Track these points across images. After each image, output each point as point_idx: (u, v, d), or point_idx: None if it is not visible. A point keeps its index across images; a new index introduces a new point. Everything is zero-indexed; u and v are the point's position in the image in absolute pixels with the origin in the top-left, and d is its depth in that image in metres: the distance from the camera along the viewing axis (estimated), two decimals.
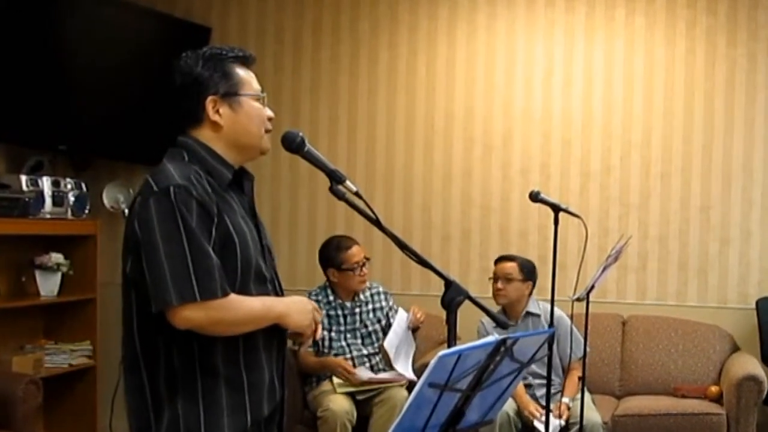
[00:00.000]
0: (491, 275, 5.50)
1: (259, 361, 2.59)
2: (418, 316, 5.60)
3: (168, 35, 6.33)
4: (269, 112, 2.69)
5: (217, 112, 2.61)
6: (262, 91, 2.69)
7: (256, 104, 2.66)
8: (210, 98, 2.61)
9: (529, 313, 5.43)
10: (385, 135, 6.66)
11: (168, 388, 2.53)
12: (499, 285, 5.39)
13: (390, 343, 5.48)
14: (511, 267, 5.41)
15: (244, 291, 2.55)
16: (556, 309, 4.79)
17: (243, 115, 2.63)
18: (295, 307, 2.63)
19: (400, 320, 5.57)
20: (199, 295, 2.42)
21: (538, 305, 5.43)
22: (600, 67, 6.43)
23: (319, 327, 2.70)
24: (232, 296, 2.49)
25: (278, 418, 2.71)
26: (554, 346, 5.17)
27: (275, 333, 2.62)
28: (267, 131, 2.69)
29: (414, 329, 5.63)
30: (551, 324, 4.87)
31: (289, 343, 2.84)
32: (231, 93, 2.62)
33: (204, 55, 2.65)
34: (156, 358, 2.54)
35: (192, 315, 2.43)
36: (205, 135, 2.63)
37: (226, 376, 2.54)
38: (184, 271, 2.42)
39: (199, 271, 2.43)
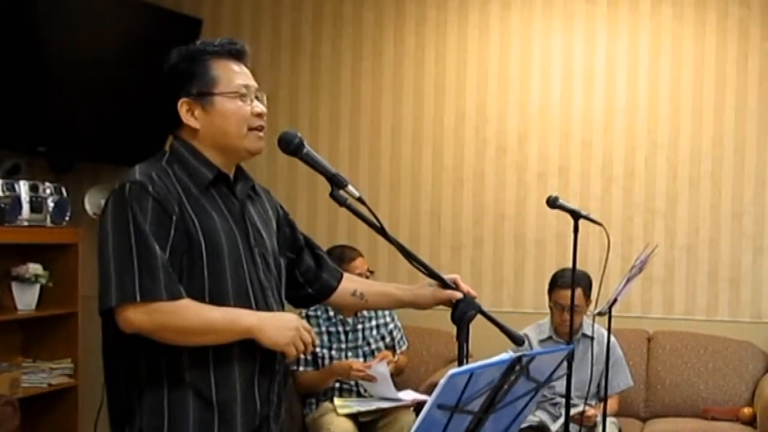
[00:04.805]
0: (549, 302, 5.50)
1: (232, 376, 2.60)
2: (392, 358, 5.52)
3: (155, 28, 6.33)
4: (258, 108, 2.68)
5: (192, 114, 2.64)
6: (248, 86, 2.67)
7: (235, 102, 2.65)
8: (182, 100, 2.64)
9: (584, 335, 5.44)
10: (391, 136, 6.67)
11: (136, 398, 2.58)
12: (566, 316, 5.22)
13: (371, 390, 5.41)
14: (578, 297, 5.23)
15: (217, 298, 2.57)
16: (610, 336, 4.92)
17: (217, 117, 2.64)
18: (271, 323, 2.59)
19: (380, 371, 5.35)
20: (139, 296, 2.46)
21: (591, 327, 5.39)
22: (623, 62, 6.44)
23: (308, 348, 2.64)
24: (185, 302, 2.51)
25: None
26: (591, 372, 5.12)
27: (256, 346, 2.60)
28: (254, 128, 2.67)
29: (396, 374, 5.58)
30: (607, 351, 4.96)
31: None
32: (204, 93, 2.63)
33: (184, 52, 2.68)
34: (128, 369, 2.59)
35: (133, 317, 2.48)
36: (187, 137, 2.68)
37: (194, 390, 2.57)
38: (128, 271, 2.47)
39: (143, 271, 2.47)
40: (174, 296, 2.49)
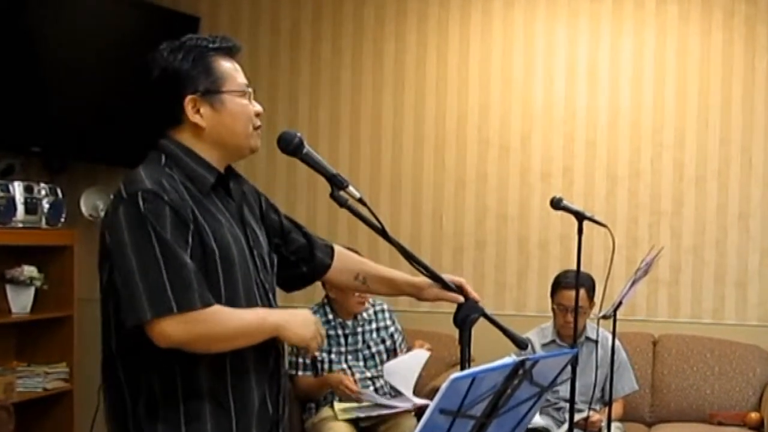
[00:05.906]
0: (552, 304, 5.51)
1: (249, 383, 2.60)
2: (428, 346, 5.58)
3: (152, 26, 6.33)
4: (257, 107, 2.68)
5: (198, 112, 2.61)
6: (248, 85, 2.68)
7: (242, 101, 2.65)
8: (189, 98, 2.60)
9: (588, 339, 5.45)
10: (392, 136, 6.66)
11: (148, 412, 2.55)
12: (569, 318, 5.21)
13: (390, 370, 5.43)
14: (582, 298, 5.13)
15: (231, 305, 2.55)
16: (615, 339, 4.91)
17: (226, 115, 2.62)
18: (294, 319, 2.62)
19: (418, 357, 5.42)
20: (176, 307, 2.43)
21: (595, 330, 5.38)
22: (628, 61, 6.43)
23: (323, 343, 2.70)
24: (217, 307, 2.49)
25: None
26: (596, 376, 5.13)
27: (269, 351, 2.62)
28: (256, 128, 2.67)
29: None
30: (612, 355, 4.97)
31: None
32: (212, 91, 2.61)
33: (183, 47, 2.64)
34: (135, 380, 2.55)
35: (170, 330, 2.44)
36: (185, 137, 2.64)
37: (211, 400, 2.55)
38: (158, 283, 2.43)
39: (175, 281, 2.44)
40: (207, 303, 2.47)
